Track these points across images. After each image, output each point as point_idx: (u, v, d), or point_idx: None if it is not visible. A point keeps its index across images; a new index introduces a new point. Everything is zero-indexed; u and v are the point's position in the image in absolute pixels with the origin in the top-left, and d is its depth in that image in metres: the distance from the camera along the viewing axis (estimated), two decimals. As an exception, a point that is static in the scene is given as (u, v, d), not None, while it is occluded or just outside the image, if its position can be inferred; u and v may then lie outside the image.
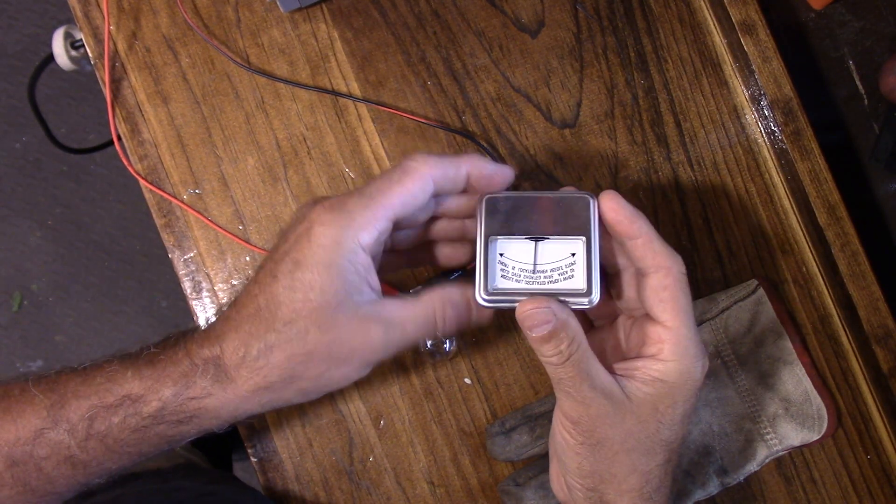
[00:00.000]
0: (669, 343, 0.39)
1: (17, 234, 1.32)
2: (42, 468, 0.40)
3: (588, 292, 0.40)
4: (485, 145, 0.53)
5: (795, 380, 0.52)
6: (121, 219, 1.33)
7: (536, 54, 0.53)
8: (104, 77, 0.52)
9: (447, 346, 0.51)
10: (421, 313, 0.40)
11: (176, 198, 0.52)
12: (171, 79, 0.52)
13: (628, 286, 0.42)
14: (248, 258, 0.52)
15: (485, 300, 0.40)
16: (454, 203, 0.43)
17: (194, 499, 0.51)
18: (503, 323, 0.52)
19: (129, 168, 0.52)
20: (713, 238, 0.53)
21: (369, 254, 0.39)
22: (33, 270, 1.32)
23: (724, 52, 0.54)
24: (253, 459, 0.52)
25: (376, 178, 0.39)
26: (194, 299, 0.52)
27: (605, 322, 0.45)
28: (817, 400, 0.51)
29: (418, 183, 0.39)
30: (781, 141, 0.53)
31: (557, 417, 0.40)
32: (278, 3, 0.50)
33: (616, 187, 0.53)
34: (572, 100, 0.53)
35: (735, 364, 0.52)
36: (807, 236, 0.53)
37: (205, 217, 0.52)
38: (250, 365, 0.39)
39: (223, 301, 0.52)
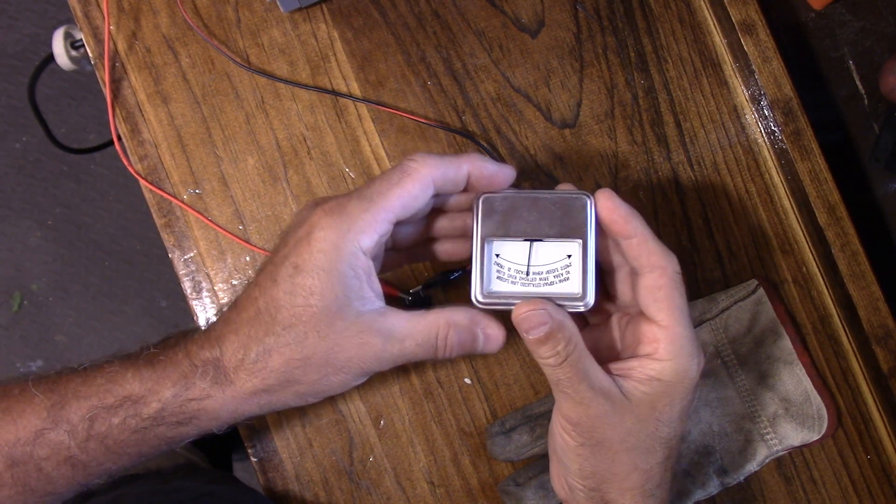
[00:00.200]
0: (665, 342, 0.39)
1: (17, 234, 1.32)
2: (42, 468, 0.40)
3: (583, 296, 0.40)
4: (485, 145, 0.53)
5: (795, 380, 0.52)
6: (121, 219, 1.33)
7: (536, 54, 0.53)
8: (104, 77, 0.52)
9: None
10: (423, 332, 0.40)
11: (176, 198, 0.52)
12: (171, 79, 0.52)
13: (623, 284, 0.43)
14: (248, 258, 0.52)
15: (480, 302, 0.40)
16: (454, 200, 0.43)
17: (194, 499, 0.51)
18: (507, 336, 0.52)
19: (129, 168, 0.52)
20: (713, 238, 0.53)
21: (370, 256, 0.39)
22: (33, 270, 1.32)
23: (724, 52, 0.54)
24: (253, 459, 0.52)
25: (376, 179, 0.39)
26: (194, 299, 0.52)
27: (599, 320, 0.45)
28: (817, 400, 0.51)
29: (418, 184, 0.38)
30: (781, 141, 0.53)
31: (556, 420, 0.40)
32: (278, 3, 0.50)
33: (616, 187, 0.53)
34: (572, 100, 0.53)
35: (735, 364, 0.52)
36: (807, 236, 0.53)
37: (205, 217, 0.52)
38: (249, 367, 0.39)
39: (223, 301, 0.52)
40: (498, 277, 0.41)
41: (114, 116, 0.52)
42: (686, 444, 0.51)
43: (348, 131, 0.53)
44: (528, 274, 0.40)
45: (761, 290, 0.52)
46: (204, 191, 0.52)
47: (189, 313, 0.52)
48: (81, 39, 0.54)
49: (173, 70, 0.52)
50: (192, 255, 0.52)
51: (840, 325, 0.53)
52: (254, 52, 0.53)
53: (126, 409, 0.40)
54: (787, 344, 0.52)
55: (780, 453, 0.51)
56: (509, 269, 0.40)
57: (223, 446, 0.94)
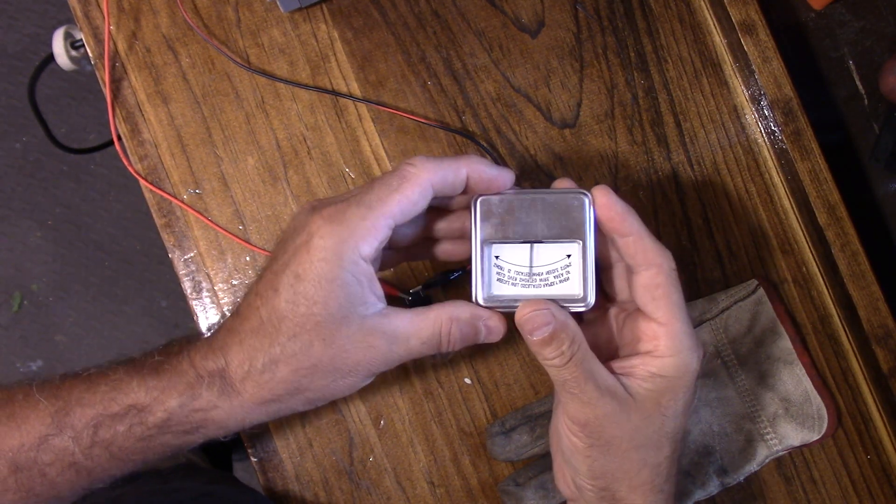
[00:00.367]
0: (665, 339, 0.39)
1: (17, 234, 1.32)
2: (46, 474, 0.40)
3: (584, 296, 0.40)
4: (485, 145, 0.53)
5: (795, 380, 0.52)
6: (121, 219, 1.33)
7: (536, 54, 0.53)
8: (104, 77, 0.52)
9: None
10: (427, 330, 0.40)
11: (176, 198, 0.52)
12: (171, 79, 0.52)
13: (619, 280, 0.43)
14: (248, 258, 0.52)
15: (482, 306, 0.40)
16: (452, 200, 0.43)
17: (194, 499, 0.51)
18: (509, 328, 0.52)
19: (129, 168, 0.52)
20: (713, 238, 0.53)
21: (370, 262, 0.39)
22: (33, 270, 1.32)
23: (724, 52, 0.54)
24: (253, 459, 0.52)
25: (375, 183, 0.39)
26: (194, 299, 0.52)
27: (595, 316, 0.45)
28: (817, 400, 0.51)
29: (418, 190, 0.38)
30: (781, 141, 0.53)
31: (562, 422, 0.40)
32: (278, 3, 0.50)
33: (616, 187, 0.53)
34: (572, 100, 0.53)
35: (735, 364, 0.52)
36: (807, 236, 0.53)
37: (205, 217, 0.52)
38: (256, 379, 0.39)
39: (223, 301, 0.52)
40: (498, 280, 0.41)
41: (114, 116, 0.52)
42: (686, 444, 0.51)
43: (348, 131, 0.53)
44: (530, 276, 0.40)
45: (761, 290, 0.52)
46: (204, 191, 0.52)
47: (189, 313, 0.52)
48: (81, 39, 0.54)
49: (173, 70, 0.52)
50: (192, 255, 0.52)
51: (840, 325, 0.53)
52: (254, 52, 0.53)
53: (131, 418, 0.40)
54: (787, 344, 0.52)
55: (780, 453, 0.51)
56: (509, 271, 0.40)
57: (223, 446, 0.94)
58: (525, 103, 0.53)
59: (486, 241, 0.40)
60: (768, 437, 0.51)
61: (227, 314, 0.51)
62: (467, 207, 0.42)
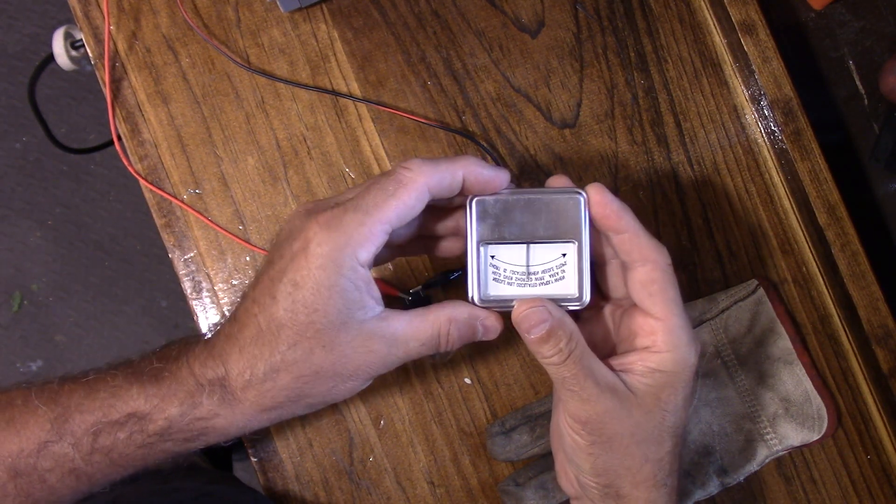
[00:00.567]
0: (662, 334, 0.39)
1: (17, 234, 1.32)
2: (46, 480, 0.40)
3: (580, 295, 0.40)
4: (485, 145, 0.53)
5: (795, 380, 0.52)
6: (121, 219, 1.33)
7: (536, 54, 0.53)
8: (104, 77, 0.52)
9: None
10: (426, 332, 0.40)
11: (176, 198, 0.52)
12: (171, 79, 0.52)
13: (614, 277, 0.43)
14: (248, 258, 0.52)
15: (478, 306, 0.41)
16: (451, 200, 0.43)
17: (194, 499, 0.51)
18: (506, 325, 0.52)
19: (129, 168, 0.52)
20: (713, 238, 0.53)
21: (367, 267, 0.39)
22: (33, 270, 1.32)
23: (724, 52, 0.54)
24: (253, 459, 0.52)
25: (371, 187, 0.38)
26: (194, 299, 0.52)
27: (590, 314, 0.45)
28: (817, 400, 0.51)
29: (414, 194, 0.38)
30: (781, 141, 0.53)
31: (563, 420, 0.40)
32: (278, 3, 0.50)
33: (616, 187, 0.53)
34: (572, 100, 0.53)
35: (735, 364, 0.52)
36: (807, 236, 0.53)
37: (205, 217, 0.52)
38: (257, 387, 0.39)
39: (223, 301, 0.52)
40: (494, 279, 0.41)
41: (114, 116, 0.52)
42: (686, 444, 0.51)
43: (348, 131, 0.53)
44: (528, 275, 0.40)
45: (761, 290, 0.52)
46: (204, 191, 0.52)
47: (189, 313, 0.52)
48: (81, 39, 0.54)
49: (173, 70, 0.52)
50: (192, 255, 0.52)
51: (840, 325, 0.53)
52: (254, 52, 0.53)
53: (132, 426, 0.40)
54: (787, 344, 0.52)
55: (780, 453, 0.51)
56: (505, 271, 0.41)
57: (223, 447, 0.94)
58: (525, 103, 0.53)
59: (483, 242, 0.40)
60: (768, 437, 0.51)
61: (227, 314, 0.51)
62: (463, 206, 0.42)
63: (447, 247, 0.45)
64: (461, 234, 0.44)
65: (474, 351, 0.52)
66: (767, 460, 0.51)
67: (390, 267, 0.53)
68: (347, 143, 0.53)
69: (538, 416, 0.50)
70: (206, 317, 0.52)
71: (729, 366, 0.52)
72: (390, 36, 0.53)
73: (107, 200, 1.33)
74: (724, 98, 0.54)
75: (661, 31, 0.54)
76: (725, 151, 0.54)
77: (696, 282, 0.53)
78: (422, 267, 0.52)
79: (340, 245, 0.37)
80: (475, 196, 0.40)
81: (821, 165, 0.53)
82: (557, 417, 0.42)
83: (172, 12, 0.52)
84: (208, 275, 0.52)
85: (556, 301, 0.40)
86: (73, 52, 0.56)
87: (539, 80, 0.53)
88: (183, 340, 0.43)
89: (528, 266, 0.41)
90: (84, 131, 1.33)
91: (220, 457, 0.91)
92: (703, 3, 0.54)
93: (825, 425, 0.51)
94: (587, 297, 0.40)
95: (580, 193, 0.40)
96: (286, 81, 0.52)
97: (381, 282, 0.52)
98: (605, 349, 0.43)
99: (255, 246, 0.52)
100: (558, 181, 0.42)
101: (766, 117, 0.53)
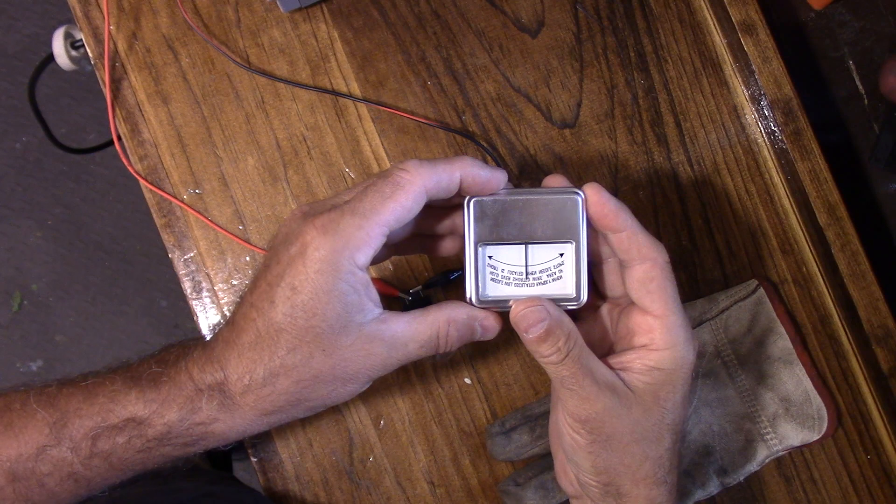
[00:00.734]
0: (661, 332, 0.39)
1: (17, 234, 1.32)
2: (44, 484, 0.40)
3: (577, 295, 0.40)
4: (485, 145, 0.53)
5: (795, 380, 0.52)
6: (121, 219, 1.33)
7: (536, 54, 0.53)
8: (104, 77, 0.52)
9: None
10: (425, 333, 0.40)
11: (176, 198, 0.52)
12: (171, 79, 0.52)
13: (612, 275, 0.43)
14: (248, 258, 0.52)
15: (475, 307, 0.41)
16: (448, 200, 0.43)
17: (195, 499, 0.51)
18: (504, 325, 0.52)
19: (129, 168, 0.52)
20: (713, 238, 0.53)
21: (365, 270, 0.39)
22: (33, 270, 1.32)
23: (724, 52, 0.54)
24: (253, 459, 0.52)
25: (368, 189, 0.38)
26: (194, 299, 0.52)
27: (588, 313, 0.45)
28: (817, 400, 0.51)
29: (412, 196, 0.38)
30: (781, 141, 0.53)
31: (562, 419, 0.40)
32: (278, 3, 0.50)
33: (616, 187, 0.53)
34: (572, 100, 0.53)
35: (735, 364, 0.52)
36: (807, 236, 0.53)
37: (205, 217, 0.52)
38: (256, 392, 0.39)
39: (223, 301, 0.52)
40: (492, 279, 0.41)
41: (114, 116, 0.52)
42: (686, 444, 0.51)
43: (348, 131, 0.53)
44: (525, 275, 0.40)
45: (761, 290, 0.52)
46: (204, 191, 0.52)
47: (189, 313, 0.52)
48: (81, 39, 0.54)
49: (173, 70, 0.52)
50: (192, 255, 0.52)
51: (840, 325, 0.53)
52: (254, 52, 0.53)
53: (130, 430, 0.40)
54: (787, 344, 0.52)
55: (780, 453, 0.51)
56: (503, 271, 0.41)
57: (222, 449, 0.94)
58: (525, 103, 0.53)
59: (480, 242, 0.40)
60: (768, 437, 0.51)
61: (226, 317, 0.51)
62: (461, 205, 0.42)
63: (445, 246, 0.45)
64: (459, 233, 0.44)
65: (474, 351, 0.52)
66: (767, 460, 0.51)
67: (390, 267, 0.53)
68: (347, 143, 0.53)
69: (538, 416, 0.50)
70: (206, 317, 0.52)
71: (729, 366, 0.52)
72: (390, 36, 0.53)
73: (107, 200, 1.33)
74: (724, 98, 0.54)
75: (661, 31, 0.54)
76: (725, 151, 0.54)
77: (696, 282, 0.53)
78: (422, 267, 0.52)
79: (338, 249, 0.37)
80: (473, 196, 0.40)
81: (821, 165, 0.53)
82: (557, 416, 0.42)
83: (172, 12, 0.52)
84: (208, 275, 0.52)
85: (554, 301, 0.40)
86: (73, 52, 0.56)
87: (539, 80, 0.53)
88: (181, 344, 0.43)
89: (525, 266, 0.41)
90: (84, 131, 1.33)
91: (221, 457, 0.91)
92: (703, 3, 0.54)
93: (825, 425, 0.51)
94: (584, 297, 0.40)
95: (577, 193, 0.40)
96: (286, 81, 0.52)
97: (380, 282, 0.52)
98: (603, 348, 0.43)
99: (255, 246, 0.52)
100: (555, 181, 0.42)
101: (766, 117, 0.53)
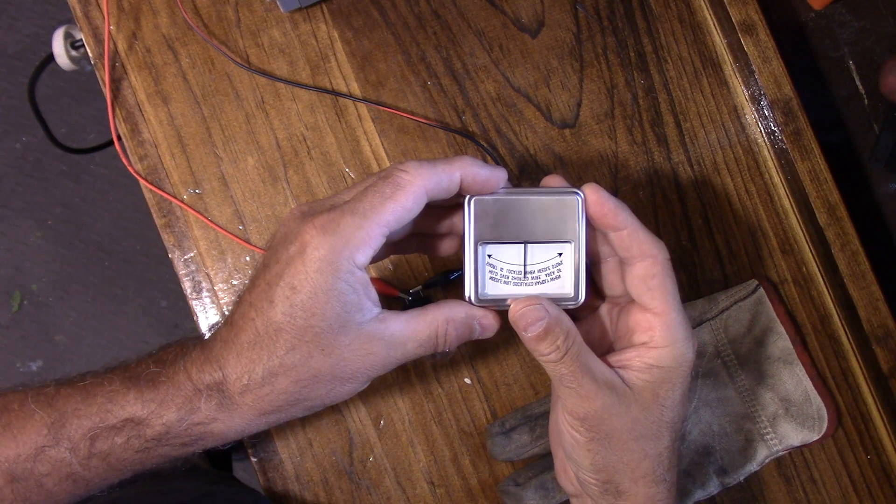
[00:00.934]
0: (660, 329, 0.39)
1: (17, 234, 1.32)
2: (43, 484, 0.40)
3: (575, 295, 0.40)
4: (485, 145, 0.53)
5: (795, 380, 0.52)
6: (121, 219, 1.33)
7: (536, 54, 0.53)
8: (104, 77, 0.52)
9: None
10: (423, 332, 0.40)
11: (176, 198, 0.52)
12: (171, 79, 0.52)
13: (612, 275, 0.43)
14: (248, 258, 0.52)
15: (475, 305, 0.41)
16: (447, 200, 0.43)
17: (195, 499, 0.51)
18: (503, 323, 0.52)
19: (129, 168, 0.52)
20: (713, 238, 0.53)
21: (364, 270, 0.39)
22: (33, 270, 1.32)
23: (724, 52, 0.54)
24: (253, 459, 0.52)
25: (367, 189, 0.38)
26: (194, 299, 0.52)
27: (587, 313, 0.45)
28: (817, 400, 0.51)
29: (412, 197, 0.38)
30: (781, 141, 0.53)
31: (562, 417, 0.40)
32: (278, 3, 0.50)
33: (616, 187, 0.53)
34: (572, 100, 0.53)
35: (735, 364, 0.52)
36: (807, 236, 0.53)
37: (205, 217, 0.52)
38: (255, 392, 0.39)
39: (223, 301, 0.52)
40: (491, 279, 0.41)
41: (114, 116, 0.52)
42: (686, 444, 0.51)
43: (348, 131, 0.53)
44: (524, 275, 0.41)
45: (761, 290, 0.52)
46: (204, 191, 0.52)
47: (189, 313, 0.52)
48: (81, 39, 0.54)
49: (173, 70, 0.52)
50: (192, 255, 0.52)
51: (840, 325, 0.53)
52: (254, 52, 0.53)
53: (129, 431, 0.40)
54: (787, 344, 0.52)
55: (780, 453, 0.51)
56: (502, 270, 0.41)
57: (222, 449, 0.94)
58: (525, 103, 0.53)
59: (480, 241, 0.40)
60: (768, 437, 0.51)
61: (226, 315, 0.51)
62: (460, 206, 0.42)
63: (444, 246, 0.45)
64: (458, 233, 0.44)
65: (474, 351, 0.52)
66: (767, 460, 0.51)
67: (390, 267, 0.53)
68: (347, 143, 0.53)
69: (538, 417, 0.50)
70: (206, 317, 0.52)
71: (729, 366, 0.52)
72: (390, 36, 0.53)
73: (107, 200, 1.33)
74: (724, 98, 0.54)
75: (661, 31, 0.54)
76: (725, 151, 0.54)
77: (696, 282, 0.53)
78: (422, 267, 0.52)
79: (338, 248, 0.37)
80: (472, 196, 0.40)
81: (821, 165, 0.53)
82: (556, 415, 0.42)
83: (172, 12, 0.52)
84: (208, 275, 0.52)
85: (553, 300, 0.40)
86: (73, 52, 0.56)
87: (539, 80, 0.53)
88: (179, 343, 0.43)
89: (524, 265, 0.41)
90: (84, 131, 1.33)
91: (220, 457, 0.91)
92: (703, 3, 0.54)
93: (825, 425, 0.51)
94: (583, 297, 0.41)
95: (576, 193, 0.40)
96: (286, 81, 0.52)
97: (380, 282, 0.52)
98: (603, 347, 0.43)
99: (255, 246, 0.52)
100: (553, 181, 0.42)
101: (766, 117, 0.53)
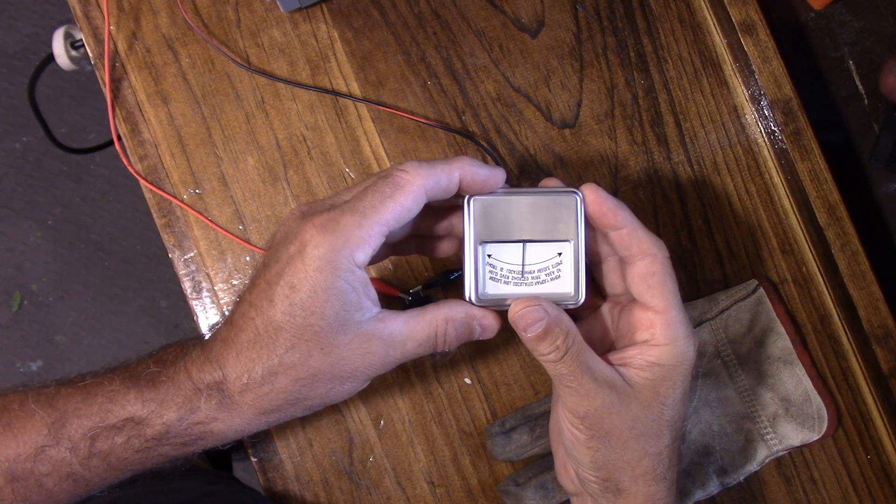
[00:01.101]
0: (661, 327, 0.39)
1: (17, 234, 1.32)
2: (43, 484, 0.40)
3: (575, 294, 0.40)
4: (484, 145, 0.53)
5: (795, 380, 0.52)
6: (121, 219, 1.33)
7: (536, 54, 0.53)
8: (104, 77, 0.52)
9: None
10: (423, 332, 0.40)
11: (176, 198, 0.52)
12: (171, 79, 0.52)
13: (612, 274, 0.43)
14: (248, 258, 0.52)
15: (475, 305, 0.41)
16: (446, 200, 0.43)
17: (195, 499, 0.51)
18: (503, 324, 0.52)
19: (129, 168, 0.52)
20: (713, 238, 0.53)
21: (364, 269, 0.39)
22: (33, 270, 1.32)
23: (724, 52, 0.54)
24: (253, 459, 0.52)
25: (367, 189, 0.38)
26: (194, 299, 0.52)
27: (588, 313, 0.45)
28: (817, 400, 0.51)
29: (411, 197, 0.38)
30: (781, 141, 0.53)
31: (562, 416, 0.41)
32: (278, 3, 0.50)
33: (616, 187, 0.53)
34: (572, 100, 0.53)
35: (735, 364, 0.52)
36: (807, 236, 0.53)
37: (205, 217, 0.52)
38: (255, 391, 0.39)
39: (223, 301, 0.52)
40: (491, 278, 0.41)
41: (114, 116, 0.52)
42: (686, 443, 0.51)
43: (348, 131, 0.53)
44: (522, 274, 0.41)
45: (761, 290, 0.52)
46: (204, 191, 0.52)
47: (189, 313, 0.52)
48: (81, 39, 0.54)
49: (173, 70, 0.52)
50: (192, 255, 0.52)
51: (840, 325, 0.53)
52: (254, 52, 0.53)
53: (129, 430, 0.40)
54: (786, 344, 0.52)
55: (780, 453, 0.51)
56: (502, 270, 0.41)
57: (222, 448, 0.94)
58: (525, 103, 0.53)
59: (479, 241, 0.40)
60: (768, 437, 0.51)
61: (226, 315, 0.51)
62: (459, 206, 0.42)
63: (443, 247, 0.45)
64: (456, 235, 0.44)
65: (474, 351, 0.52)
66: (767, 460, 0.51)
67: (390, 267, 0.53)
68: (347, 143, 0.53)
69: (538, 417, 0.50)
70: (206, 317, 0.52)
71: (729, 366, 0.52)
72: (390, 36, 0.53)
73: (107, 200, 1.33)
74: (724, 98, 0.54)
75: (661, 31, 0.54)
76: (725, 151, 0.54)
77: (696, 282, 0.53)
78: (422, 267, 0.52)
79: (337, 247, 0.37)
80: (472, 196, 0.40)
81: (821, 165, 0.53)
82: (556, 413, 0.42)
83: (172, 12, 0.52)
84: (208, 275, 0.52)
85: (552, 300, 0.40)
86: (73, 52, 0.56)
87: (539, 80, 0.53)
88: (179, 343, 0.43)
89: (524, 265, 0.41)
90: (84, 131, 1.33)
91: (220, 457, 0.91)
92: (703, 3, 0.54)
93: (825, 425, 0.51)
94: (582, 296, 0.41)
95: (576, 193, 0.40)
96: (286, 81, 0.52)
97: (380, 282, 0.52)
98: (604, 346, 0.43)
99: (255, 246, 0.52)
100: (551, 183, 0.42)
101: (766, 117, 0.53)
